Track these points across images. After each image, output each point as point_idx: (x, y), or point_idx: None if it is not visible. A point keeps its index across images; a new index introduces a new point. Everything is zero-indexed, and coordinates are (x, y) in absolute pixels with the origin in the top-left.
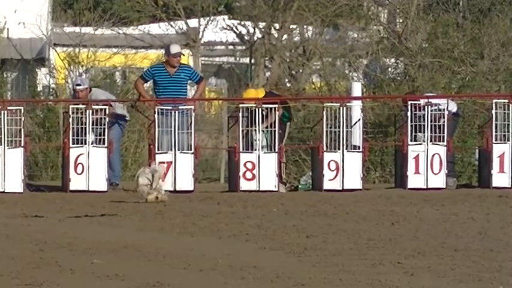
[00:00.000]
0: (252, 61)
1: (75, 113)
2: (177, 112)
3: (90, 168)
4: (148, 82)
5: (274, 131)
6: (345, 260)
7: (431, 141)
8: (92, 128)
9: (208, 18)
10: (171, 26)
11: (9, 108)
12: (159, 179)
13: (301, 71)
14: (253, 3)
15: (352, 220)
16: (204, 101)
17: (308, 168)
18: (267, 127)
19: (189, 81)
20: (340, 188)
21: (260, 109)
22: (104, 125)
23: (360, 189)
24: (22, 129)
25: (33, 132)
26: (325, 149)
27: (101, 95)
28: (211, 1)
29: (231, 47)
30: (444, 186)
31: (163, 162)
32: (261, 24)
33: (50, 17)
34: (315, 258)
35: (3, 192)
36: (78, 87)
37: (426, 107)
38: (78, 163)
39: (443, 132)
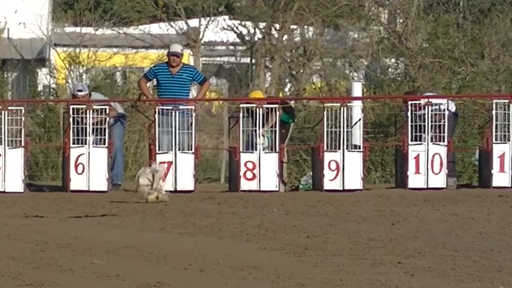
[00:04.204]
0: (253, 61)
1: (75, 113)
2: (177, 112)
3: (90, 168)
4: (152, 82)
5: (275, 131)
6: (345, 260)
7: (431, 141)
8: (92, 129)
9: (208, 18)
10: (171, 26)
11: (9, 108)
12: (159, 179)
13: (301, 71)
14: (254, 3)
15: (352, 220)
16: (204, 102)
17: (308, 168)
18: (272, 126)
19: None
20: (341, 188)
21: (261, 109)
22: (105, 125)
23: (361, 189)
24: (22, 129)
25: (33, 132)
26: (325, 149)
27: (100, 99)
28: (212, 1)
29: (231, 47)
30: (445, 186)
31: (164, 162)
32: (262, 25)
33: (51, 17)
34: (316, 258)
35: (4, 192)
36: (80, 93)
37: (426, 106)
38: (79, 163)
39: (444, 132)
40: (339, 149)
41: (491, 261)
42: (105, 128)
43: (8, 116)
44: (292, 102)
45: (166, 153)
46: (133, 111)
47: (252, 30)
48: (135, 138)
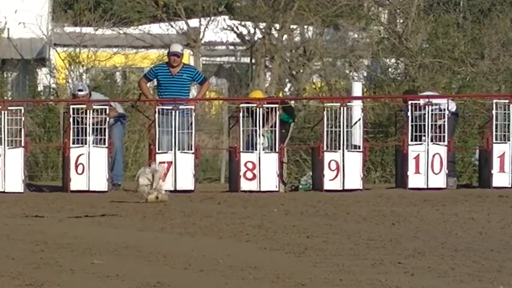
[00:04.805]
0: (253, 61)
1: (75, 113)
2: (177, 112)
3: (90, 168)
4: (152, 82)
5: (275, 131)
6: (345, 260)
7: (431, 141)
8: (92, 129)
9: (208, 18)
10: (172, 26)
11: (9, 108)
12: (159, 179)
13: (301, 71)
14: (254, 3)
15: (352, 220)
16: (204, 101)
17: (308, 168)
18: (272, 126)
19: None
20: (341, 188)
21: (261, 109)
22: (105, 125)
23: (361, 189)
24: (22, 129)
25: (33, 132)
26: (325, 149)
27: (100, 99)
28: (212, 1)
29: (231, 47)
30: (445, 186)
31: (164, 162)
32: (262, 25)
33: (50, 17)
34: (315, 258)
35: (4, 192)
36: (80, 93)
37: (426, 106)
38: (79, 163)
39: (444, 132)
40: (339, 149)
41: (491, 261)
42: (105, 128)
43: (8, 116)
44: (292, 102)
45: (166, 153)
46: (134, 111)
47: (252, 30)
48: (135, 138)
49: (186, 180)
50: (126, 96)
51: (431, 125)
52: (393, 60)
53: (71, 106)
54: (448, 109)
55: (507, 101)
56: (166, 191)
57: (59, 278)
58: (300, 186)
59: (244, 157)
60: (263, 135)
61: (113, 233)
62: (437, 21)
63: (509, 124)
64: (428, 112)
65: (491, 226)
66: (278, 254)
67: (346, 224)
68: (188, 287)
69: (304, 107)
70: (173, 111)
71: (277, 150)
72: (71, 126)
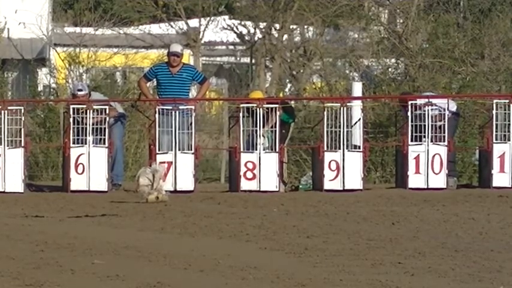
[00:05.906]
0: (253, 61)
1: (75, 113)
2: (177, 112)
3: (90, 168)
4: (152, 81)
5: (275, 131)
6: (345, 260)
7: (431, 141)
8: (92, 128)
9: (208, 18)
10: (171, 26)
11: (9, 108)
12: (159, 179)
13: (302, 71)
14: (254, 3)
15: (352, 220)
16: (204, 101)
17: (309, 168)
18: (272, 126)
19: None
20: (341, 188)
21: (261, 109)
22: (105, 124)
23: (361, 190)
24: (22, 129)
25: (33, 132)
26: (325, 149)
27: (100, 99)
28: (212, 1)
29: (231, 47)
30: (445, 186)
31: (164, 162)
32: (262, 25)
33: (51, 17)
34: (316, 258)
35: (4, 192)
36: (80, 93)
37: (425, 107)
38: (79, 163)
39: (444, 132)
40: (339, 149)
41: (491, 262)
42: (105, 128)
43: (8, 116)
44: (292, 102)
45: (166, 153)
46: (134, 111)
47: (252, 30)
48: (135, 138)
49: (186, 180)
50: (126, 96)
51: (432, 125)
52: (393, 60)
53: (71, 106)
54: (448, 109)
55: (507, 101)
56: (166, 191)
57: (59, 278)
58: (300, 186)
59: (244, 157)
60: (263, 136)
61: (113, 233)
62: (437, 21)
63: (509, 124)
64: (428, 112)
65: (491, 226)
66: (278, 254)
67: (346, 224)
68: (188, 287)
69: (305, 107)
70: (173, 111)
71: (277, 150)
72: (71, 126)
